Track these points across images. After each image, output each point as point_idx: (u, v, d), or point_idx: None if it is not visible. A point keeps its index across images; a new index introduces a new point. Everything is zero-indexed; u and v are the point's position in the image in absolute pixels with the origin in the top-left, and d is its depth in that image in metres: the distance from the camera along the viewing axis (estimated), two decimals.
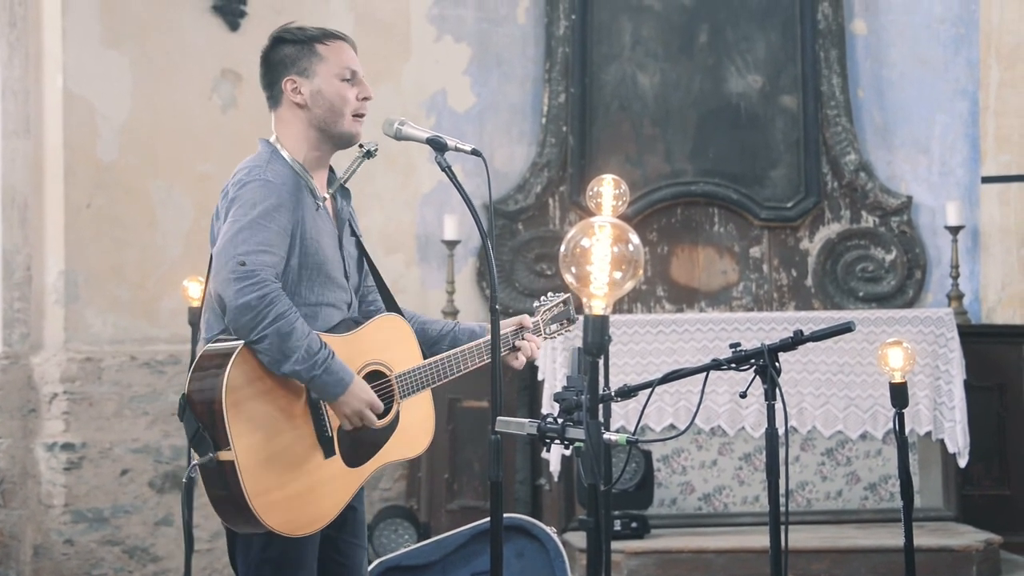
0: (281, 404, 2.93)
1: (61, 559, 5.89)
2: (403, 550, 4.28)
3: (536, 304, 3.35)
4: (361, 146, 3.13)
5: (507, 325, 3.26)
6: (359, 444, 3.02)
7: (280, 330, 2.86)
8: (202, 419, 2.88)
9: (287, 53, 3.10)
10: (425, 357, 3.17)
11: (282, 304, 2.88)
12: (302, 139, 3.10)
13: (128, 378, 5.99)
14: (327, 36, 3.12)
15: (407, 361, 3.11)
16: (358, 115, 3.11)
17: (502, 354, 3.21)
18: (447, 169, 3.04)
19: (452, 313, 6.37)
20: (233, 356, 2.88)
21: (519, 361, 3.26)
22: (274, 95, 3.12)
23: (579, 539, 5.50)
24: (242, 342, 2.89)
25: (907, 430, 3.97)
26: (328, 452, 2.97)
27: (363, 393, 2.97)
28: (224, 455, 2.86)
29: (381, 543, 5.79)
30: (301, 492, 2.92)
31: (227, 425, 2.84)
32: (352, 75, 3.10)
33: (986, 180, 6.52)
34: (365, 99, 3.12)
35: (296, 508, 2.91)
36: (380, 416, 3.06)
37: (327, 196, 3.11)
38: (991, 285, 6.62)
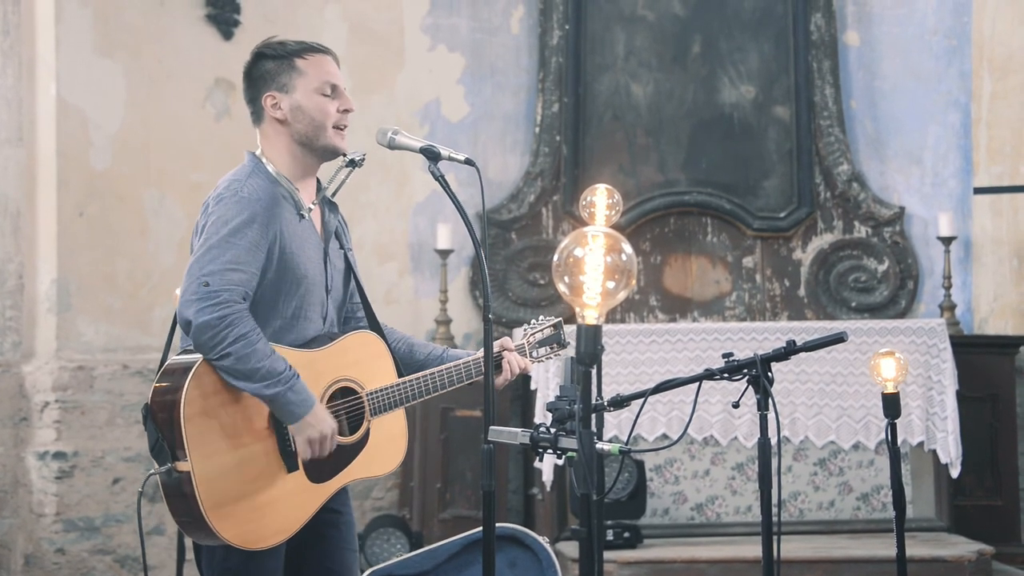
0: (242, 418, 2.94)
1: (52, 568, 5.88)
2: (395, 559, 4.27)
3: (524, 327, 3.35)
4: (345, 155, 3.14)
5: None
6: (326, 460, 3.01)
7: (239, 351, 2.87)
8: (162, 429, 2.90)
9: (267, 68, 3.10)
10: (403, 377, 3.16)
11: (243, 325, 2.89)
12: (285, 152, 3.10)
13: (120, 387, 5.97)
14: (307, 50, 3.11)
15: (380, 379, 3.10)
16: (339, 127, 3.10)
17: (477, 379, 3.20)
18: (440, 178, 3.04)
19: (445, 322, 6.37)
20: (193, 369, 2.90)
21: (500, 378, 3.22)
22: (256, 110, 3.13)
23: (572, 549, 5.49)
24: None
25: (899, 440, 3.97)
26: (291, 467, 2.97)
27: (328, 417, 2.97)
28: (181, 466, 2.87)
29: (373, 552, 5.78)
30: (260, 505, 2.92)
31: (184, 436, 2.86)
32: (332, 89, 3.10)
33: (978, 191, 6.54)
34: (346, 111, 3.11)
35: (254, 521, 2.91)
36: (350, 433, 3.06)
37: (312, 207, 3.10)
38: (983, 296, 6.63)
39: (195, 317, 2.88)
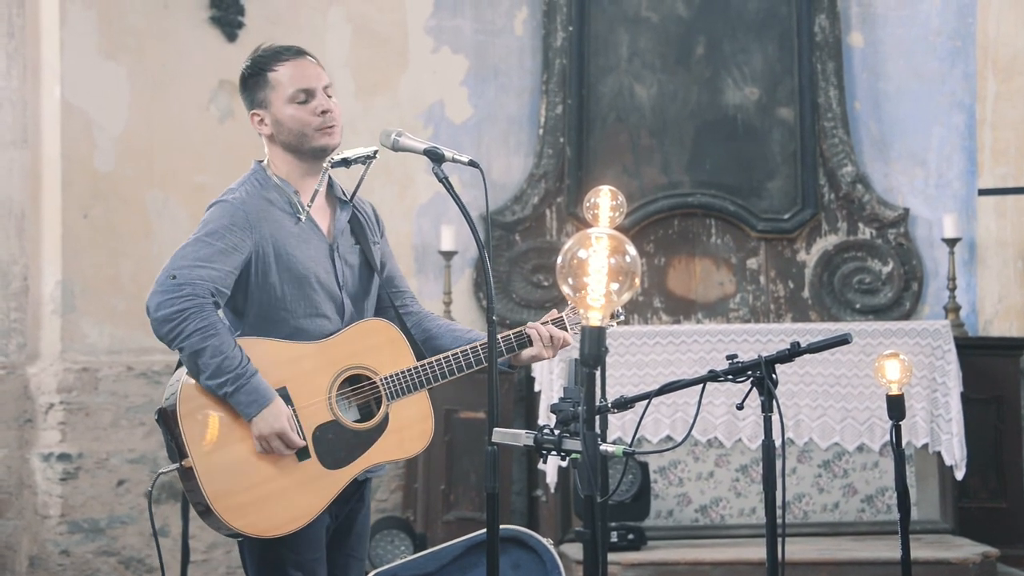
0: None
1: (57, 570, 5.88)
2: (399, 561, 4.27)
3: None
4: (335, 154, 3.16)
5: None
6: (340, 446, 3.06)
7: (193, 346, 2.95)
8: (170, 429, 3.00)
9: (248, 88, 3.18)
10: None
11: (200, 319, 2.95)
12: (281, 160, 3.17)
13: (125, 388, 5.98)
14: (278, 59, 3.15)
15: (396, 364, 3.14)
16: (322, 129, 3.12)
17: (507, 357, 3.22)
18: (444, 180, 3.05)
19: None
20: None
21: (533, 351, 3.20)
22: (254, 125, 3.20)
23: (576, 551, 5.49)
24: None
25: (904, 442, 3.97)
26: (302, 456, 3.03)
27: (275, 421, 2.98)
28: (186, 462, 2.97)
29: (377, 554, 5.78)
30: (271, 495, 2.99)
31: (183, 433, 2.95)
32: (306, 95, 3.12)
33: (983, 192, 6.52)
34: (325, 112, 3.12)
35: (266, 510, 2.98)
36: (367, 418, 3.10)
37: (308, 207, 3.13)
38: (988, 297, 6.62)
39: (155, 310, 2.98)
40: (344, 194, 3.24)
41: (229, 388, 2.95)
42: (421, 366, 3.14)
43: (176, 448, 2.99)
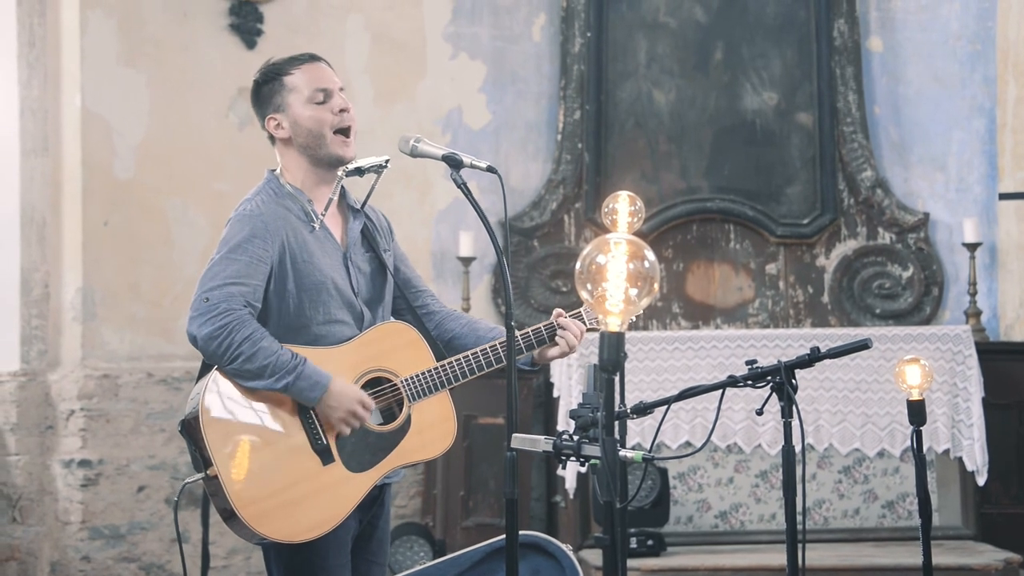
0: (267, 418, 3.03)
1: None
2: (418, 567, 4.27)
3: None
4: (345, 167, 3.16)
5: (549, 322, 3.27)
6: (364, 449, 3.08)
7: (246, 352, 2.97)
8: (194, 439, 3.01)
9: (263, 94, 3.22)
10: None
11: (246, 328, 2.98)
12: (296, 167, 3.18)
13: (145, 395, 6.00)
14: (293, 64, 3.20)
15: (415, 365, 3.16)
16: (340, 131, 3.15)
17: (530, 354, 3.23)
18: (463, 186, 3.06)
19: None
20: (209, 378, 3.03)
21: (557, 350, 3.20)
22: (267, 133, 3.23)
23: (595, 557, 5.49)
24: None
25: (925, 448, 3.94)
26: (326, 460, 3.04)
27: (348, 391, 3.03)
28: (212, 470, 2.98)
29: (396, 560, 5.79)
30: (296, 500, 3.00)
31: (207, 442, 2.97)
32: (324, 95, 3.16)
33: (1003, 197, 6.49)
34: (342, 111, 3.16)
35: (292, 515, 2.99)
36: (389, 420, 3.11)
37: (322, 216, 3.15)
38: (1009, 302, 6.59)
39: (199, 331, 3.00)
40: (356, 202, 3.25)
41: (289, 379, 2.98)
42: (441, 366, 3.16)
43: (201, 457, 3.00)
